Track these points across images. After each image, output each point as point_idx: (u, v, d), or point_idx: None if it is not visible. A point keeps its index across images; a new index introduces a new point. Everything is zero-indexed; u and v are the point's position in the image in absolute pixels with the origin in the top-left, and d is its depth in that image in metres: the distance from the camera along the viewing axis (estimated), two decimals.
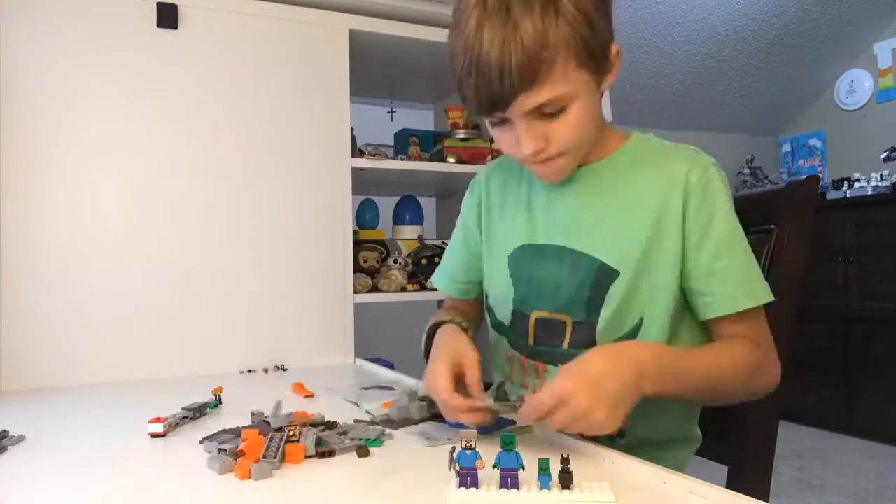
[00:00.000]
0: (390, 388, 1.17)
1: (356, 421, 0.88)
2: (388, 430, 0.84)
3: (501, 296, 0.94)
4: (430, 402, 0.88)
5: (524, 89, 0.73)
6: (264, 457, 0.67)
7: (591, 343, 0.86)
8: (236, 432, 0.81)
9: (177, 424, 0.90)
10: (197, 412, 0.97)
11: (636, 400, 0.71)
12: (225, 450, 0.72)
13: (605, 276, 0.85)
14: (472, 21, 0.74)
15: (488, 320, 0.99)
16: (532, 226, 0.92)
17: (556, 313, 0.88)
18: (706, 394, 0.84)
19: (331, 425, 0.85)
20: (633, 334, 0.86)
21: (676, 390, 0.78)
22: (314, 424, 0.84)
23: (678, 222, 0.83)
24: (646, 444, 0.87)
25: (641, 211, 0.85)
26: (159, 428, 0.85)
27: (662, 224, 0.84)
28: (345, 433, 0.82)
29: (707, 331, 0.88)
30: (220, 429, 0.84)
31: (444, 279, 1.08)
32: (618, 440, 0.86)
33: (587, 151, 0.87)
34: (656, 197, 0.85)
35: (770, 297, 0.84)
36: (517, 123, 0.78)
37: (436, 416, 0.87)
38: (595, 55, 0.76)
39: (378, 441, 0.79)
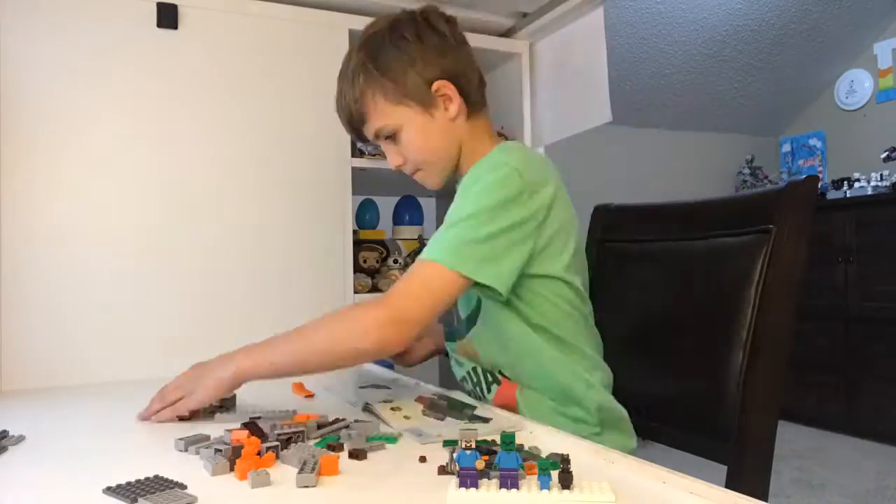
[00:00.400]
0: (387, 388, 1.17)
1: (356, 421, 0.88)
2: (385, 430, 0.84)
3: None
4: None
5: (360, 125, 1.05)
6: (300, 471, 0.65)
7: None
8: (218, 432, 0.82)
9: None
10: (226, 403, 1.00)
11: (221, 377, 0.91)
12: (220, 450, 0.72)
13: None
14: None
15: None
16: None
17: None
18: (296, 365, 0.93)
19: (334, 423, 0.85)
20: (476, 310, 1.04)
21: (263, 367, 0.92)
22: (320, 426, 0.83)
23: None
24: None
25: None
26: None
27: None
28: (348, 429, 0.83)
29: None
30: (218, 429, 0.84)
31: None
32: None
33: (452, 164, 1.07)
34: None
35: (448, 262, 0.88)
36: (381, 145, 1.08)
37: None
38: (408, 94, 1.00)
39: (394, 438, 0.81)
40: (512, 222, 0.91)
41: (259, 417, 0.89)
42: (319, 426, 0.83)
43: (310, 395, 1.14)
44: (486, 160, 0.97)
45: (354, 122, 1.05)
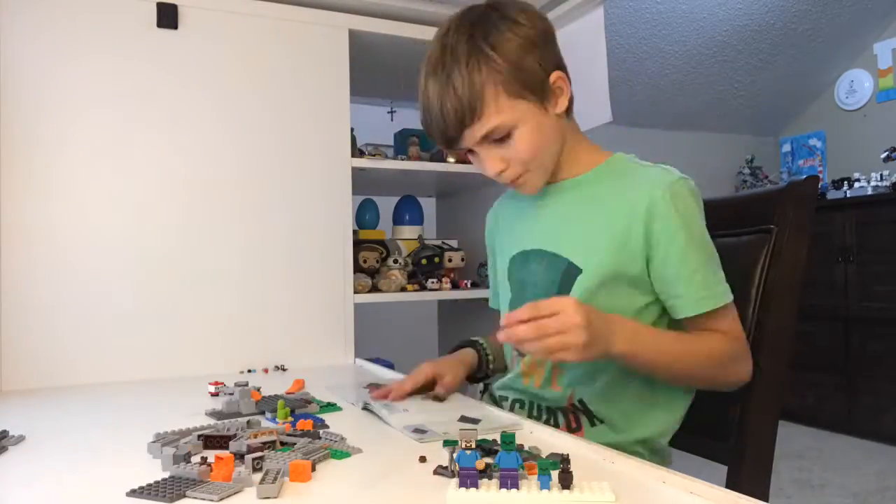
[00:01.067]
0: (381, 386, 1.17)
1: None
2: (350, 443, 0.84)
3: (504, 300, 1.07)
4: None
5: (466, 126, 0.88)
6: (262, 481, 0.64)
7: None
8: (186, 433, 0.81)
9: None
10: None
11: (606, 348, 0.81)
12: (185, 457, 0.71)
13: (571, 273, 0.94)
14: (422, 78, 0.91)
15: None
16: (523, 236, 1.04)
17: None
18: (677, 370, 0.89)
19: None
20: None
21: (646, 356, 0.86)
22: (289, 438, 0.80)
23: (641, 234, 0.90)
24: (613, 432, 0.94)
25: (608, 219, 0.93)
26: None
27: (628, 234, 0.91)
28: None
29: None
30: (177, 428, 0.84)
31: (492, 297, 1.20)
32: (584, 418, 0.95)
33: (556, 168, 0.97)
34: (624, 208, 0.92)
35: (730, 298, 0.90)
36: (478, 151, 0.93)
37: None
38: (528, 87, 0.89)
39: (346, 454, 0.75)
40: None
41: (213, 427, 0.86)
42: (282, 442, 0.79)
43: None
44: (685, 187, 0.92)
45: (464, 122, 0.88)
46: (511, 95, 0.88)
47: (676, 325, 0.93)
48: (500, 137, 0.90)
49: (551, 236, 0.99)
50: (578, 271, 0.93)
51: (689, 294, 0.88)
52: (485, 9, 0.91)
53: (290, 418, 0.90)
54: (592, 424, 0.94)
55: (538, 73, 0.89)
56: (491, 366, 1.12)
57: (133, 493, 0.62)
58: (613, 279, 0.91)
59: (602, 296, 0.91)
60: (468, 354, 1.11)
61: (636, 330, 0.86)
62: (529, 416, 0.98)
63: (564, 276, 0.94)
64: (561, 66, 0.94)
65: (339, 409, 1.00)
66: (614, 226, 0.92)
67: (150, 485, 0.64)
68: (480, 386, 1.15)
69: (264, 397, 1.02)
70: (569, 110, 0.97)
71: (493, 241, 1.15)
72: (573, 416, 0.96)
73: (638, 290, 0.92)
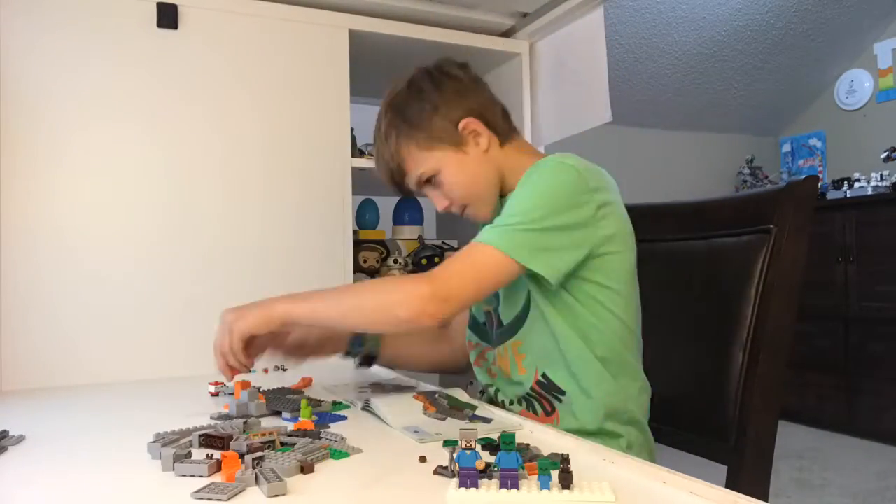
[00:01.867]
0: (382, 385, 1.17)
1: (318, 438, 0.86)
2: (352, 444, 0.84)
3: (477, 305, 1.14)
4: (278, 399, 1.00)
5: (401, 178, 1.09)
6: (268, 480, 0.64)
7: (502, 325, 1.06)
8: (186, 433, 0.82)
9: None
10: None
11: (267, 311, 0.95)
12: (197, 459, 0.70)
13: None
14: None
15: (468, 321, 1.18)
16: None
17: (489, 305, 1.10)
18: (335, 313, 0.97)
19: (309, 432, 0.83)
20: (525, 311, 1.01)
21: (304, 310, 0.96)
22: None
23: None
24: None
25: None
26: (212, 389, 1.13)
27: None
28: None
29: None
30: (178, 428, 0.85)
31: None
32: (554, 396, 1.00)
33: (496, 192, 1.08)
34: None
35: (507, 250, 0.90)
36: (425, 193, 1.10)
37: (277, 412, 0.96)
38: (438, 138, 1.05)
39: (345, 454, 0.76)
40: (572, 219, 0.93)
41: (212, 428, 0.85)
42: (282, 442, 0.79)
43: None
44: (547, 161, 0.98)
45: (396, 177, 1.09)
46: (424, 149, 1.05)
47: None
48: (431, 180, 1.07)
49: None
50: None
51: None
52: (402, 85, 1.09)
53: (314, 417, 0.91)
54: (559, 401, 0.99)
55: (446, 126, 1.05)
56: (369, 342, 1.19)
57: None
58: None
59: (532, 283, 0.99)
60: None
61: (296, 295, 0.98)
62: (508, 405, 1.05)
63: None
64: (476, 112, 1.06)
65: (349, 406, 1.01)
66: None
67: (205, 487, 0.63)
68: (479, 386, 1.16)
69: (268, 397, 1.01)
70: (504, 140, 1.08)
71: None
72: (545, 400, 1.01)
73: None
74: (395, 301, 0.91)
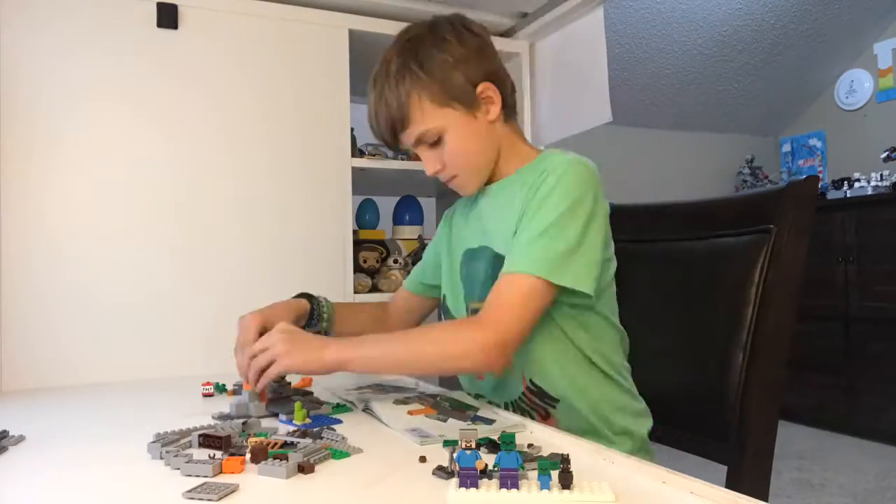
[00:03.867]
0: (383, 387, 1.17)
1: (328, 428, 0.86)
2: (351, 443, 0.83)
3: (456, 295, 1.10)
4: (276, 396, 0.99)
5: (398, 131, 1.00)
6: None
7: None
8: (186, 433, 0.82)
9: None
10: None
11: (318, 356, 0.89)
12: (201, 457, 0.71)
13: (497, 262, 0.98)
14: (369, 91, 1.02)
15: (443, 319, 1.16)
16: (469, 234, 1.11)
17: (480, 302, 1.00)
18: (393, 364, 0.92)
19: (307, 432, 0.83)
20: None
21: (359, 360, 0.91)
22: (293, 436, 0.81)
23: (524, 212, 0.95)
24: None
25: (513, 208, 0.97)
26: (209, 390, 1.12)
27: (519, 217, 0.96)
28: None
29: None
30: (177, 428, 0.84)
31: (412, 279, 1.27)
32: (546, 401, 0.98)
33: (490, 168, 1.04)
34: (523, 195, 0.97)
35: (550, 276, 0.87)
36: (418, 152, 1.03)
37: (274, 414, 0.95)
38: (454, 96, 0.97)
39: (346, 454, 0.76)
40: (596, 225, 0.91)
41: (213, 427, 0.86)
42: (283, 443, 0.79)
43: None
44: (558, 165, 0.94)
45: (396, 126, 0.99)
46: (437, 104, 0.97)
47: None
48: (433, 141, 0.99)
49: (484, 233, 1.05)
50: (501, 259, 0.98)
51: (511, 254, 0.91)
52: (422, 29, 1.01)
53: (308, 420, 0.90)
54: (553, 407, 0.98)
55: (464, 85, 0.98)
56: (324, 323, 1.16)
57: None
58: None
59: None
60: (299, 303, 1.14)
61: (349, 341, 0.93)
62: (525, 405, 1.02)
63: (494, 266, 0.99)
64: (493, 78, 1.00)
65: (350, 409, 1.00)
66: (516, 212, 0.96)
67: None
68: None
69: (271, 398, 1.01)
70: (507, 116, 1.03)
71: (449, 242, 1.17)
72: (539, 408, 0.99)
73: None
74: (458, 353, 0.88)
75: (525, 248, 0.90)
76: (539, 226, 0.90)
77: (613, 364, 1.00)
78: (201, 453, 0.73)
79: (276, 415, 0.95)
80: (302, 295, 1.17)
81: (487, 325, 0.87)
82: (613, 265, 1.01)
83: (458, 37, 0.99)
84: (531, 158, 1.04)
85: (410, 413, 0.93)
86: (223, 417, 0.94)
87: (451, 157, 1.00)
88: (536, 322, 0.90)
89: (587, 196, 0.91)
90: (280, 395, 1.00)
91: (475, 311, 1.03)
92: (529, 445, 0.75)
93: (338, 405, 1.01)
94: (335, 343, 0.91)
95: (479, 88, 0.99)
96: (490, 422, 0.89)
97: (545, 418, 0.99)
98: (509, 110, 1.03)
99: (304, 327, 1.12)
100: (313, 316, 1.15)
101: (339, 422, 0.92)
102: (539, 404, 0.99)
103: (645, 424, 1.02)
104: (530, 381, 0.98)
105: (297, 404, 0.92)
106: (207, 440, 0.77)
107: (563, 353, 0.96)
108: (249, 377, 0.92)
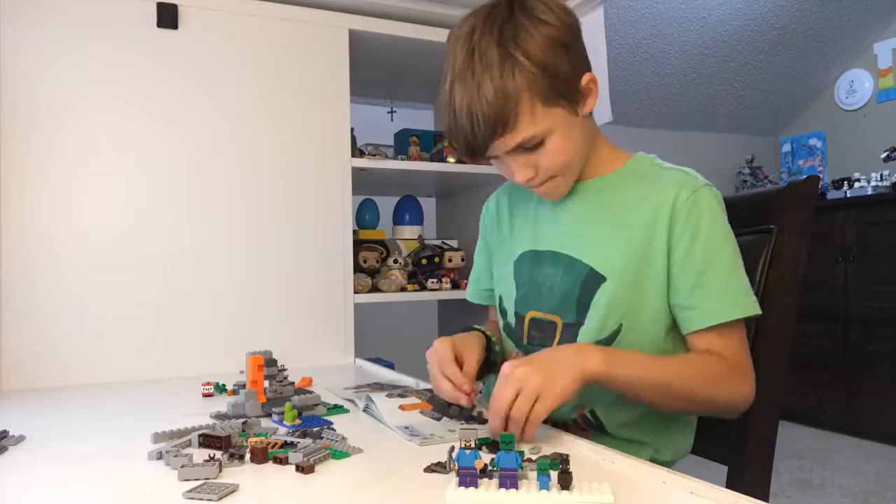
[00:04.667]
0: (382, 385, 1.17)
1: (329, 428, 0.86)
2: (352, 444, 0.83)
3: (508, 297, 1.00)
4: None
5: (495, 138, 0.82)
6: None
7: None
8: (185, 433, 0.82)
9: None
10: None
11: (578, 373, 0.75)
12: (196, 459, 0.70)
13: (593, 280, 0.90)
14: (447, 82, 0.84)
15: (500, 323, 1.04)
16: (535, 235, 0.99)
17: (550, 314, 0.94)
18: (660, 392, 0.82)
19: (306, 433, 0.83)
20: (611, 339, 0.88)
21: (625, 378, 0.79)
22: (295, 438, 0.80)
23: (664, 240, 0.87)
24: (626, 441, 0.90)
25: (632, 226, 0.89)
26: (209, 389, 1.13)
27: (651, 241, 0.88)
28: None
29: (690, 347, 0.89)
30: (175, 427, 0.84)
31: (472, 290, 1.15)
32: (596, 433, 0.91)
33: (581, 169, 0.93)
34: (647, 214, 0.88)
35: (755, 310, 0.86)
36: (504, 159, 0.87)
37: (269, 414, 0.93)
38: (562, 93, 0.83)
39: (346, 454, 0.76)
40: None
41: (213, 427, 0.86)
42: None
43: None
44: (701, 196, 0.87)
45: (496, 132, 0.81)
46: (547, 104, 0.82)
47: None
48: (532, 146, 0.85)
49: (569, 239, 0.94)
50: (602, 279, 0.89)
51: (704, 304, 0.84)
52: (508, 6, 0.83)
53: (298, 420, 0.90)
54: (595, 436, 0.90)
55: (570, 76, 0.83)
56: (496, 357, 1.01)
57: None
58: (636, 287, 0.88)
59: (629, 300, 0.88)
60: (478, 337, 0.97)
61: (611, 352, 0.80)
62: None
63: (586, 282, 0.90)
64: (589, 65, 0.88)
65: (346, 411, 0.99)
66: (637, 232, 0.88)
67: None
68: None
69: (270, 397, 1.01)
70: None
71: (492, 232, 1.08)
72: (583, 434, 0.89)
73: (662, 294, 0.88)
74: (739, 400, 0.85)
75: (721, 287, 0.85)
76: (721, 259, 0.85)
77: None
78: (201, 453, 0.74)
79: (269, 414, 0.95)
80: (467, 328, 1.00)
81: (748, 379, 0.85)
82: None
83: (554, 15, 0.82)
84: (622, 158, 0.96)
85: (402, 408, 0.92)
86: (220, 417, 0.94)
87: (549, 161, 0.86)
88: None
89: (725, 221, 0.89)
90: (279, 396, 1.00)
91: (535, 322, 0.95)
92: (531, 448, 0.75)
93: (335, 406, 1.01)
94: (596, 354, 0.77)
95: (584, 79, 0.85)
96: (484, 421, 0.88)
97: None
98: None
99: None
100: (489, 347, 0.99)
101: (330, 423, 0.90)
102: (584, 430, 0.92)
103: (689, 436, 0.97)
104: (590, 411, 0.91)
105: (287, 405, 0.91)
106: (208, 440, 0.77)
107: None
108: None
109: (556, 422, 0.91)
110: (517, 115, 0.81)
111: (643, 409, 0.88)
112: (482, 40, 0.80)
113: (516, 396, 0.73)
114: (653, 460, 0.86)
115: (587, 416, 0.92)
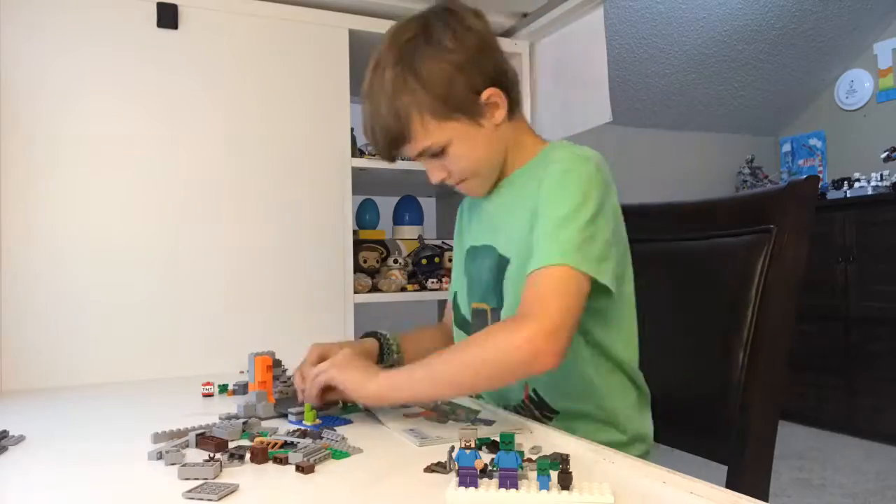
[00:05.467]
0: None
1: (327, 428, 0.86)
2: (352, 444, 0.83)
3: (461, 292, 1.08)
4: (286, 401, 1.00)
5: (398, 147, 0.94)
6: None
7: None
8: (185, 433, 0.82)
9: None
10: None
11: (359, 394, 0.87)
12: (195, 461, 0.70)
13: (502, 265, 0.96)
14: (361, 92, 0.96)
15: (454, 318, 1.10)
16: (474, 230, 1.08)
17: (481, 303, 1.01)
18: (449, 388, 0.87)
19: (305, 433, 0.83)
20: None
21: (404, 399, 0.90)
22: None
23: (536, 208, 0.90)
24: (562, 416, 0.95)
25: (528, 208, 0.93)
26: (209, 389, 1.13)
27: (532, 214, 0.91)
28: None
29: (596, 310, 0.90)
30: (175, 428, 0.84)
31: (451, 291, 1.16)
32: (544, 413, 0.96)
33: (501, 168, 1.00)
34: (532, 191, 0.93)
35: (568, 261, 0.82)
36: (420, 162, 0.98)
37: (283, 414, 0.94)
38: (458, 108, 0.91)
39: (346, 454, 0.76)
40: (608, 218, 0.87)
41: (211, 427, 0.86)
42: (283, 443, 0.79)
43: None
44: (567, 155, 0.91)
45: (395, 144, 0.93)
46: (439, 119, 0.90)
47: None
48: (436, 153, 0.93)
49: (491, 231, 1.02)
50: (507, 262, 0.95)
51: (538, 250, 0.84)
52: (415, 31, 0.91)
53: (318, 420, 0.90)
54: (549, 418, 0.96)
55: (467, 95, 0.91)
56: (395, 355, 1.09)
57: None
58: (529, 262, 0.88)
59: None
60: (367, 342, 1.08)
61: (388, 378, 0.86)
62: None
63: (498, 268, 0.97)
64: (497, 80, 0.93)
65: (361, 410, 0.97)
66: (529, 211, 0.91)
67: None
68: None
69: (279, 398, 1.00)
70: (512, 113, 0.97)
71: (460, 234, 1.16)
72: (536, 418, 0.96)
73: None
74: (505, 353, 0.80)
75: (549, 238, 0.84)
76: (558, 214, 0.85)
77: (627, 361, 0.97)
78: (200, 454, 0.74)
79: (284, 415, 0.94)
80: (368, 334, 1.11)
81: (528, 317, 0.80)
82: (629, 259, 0.97)
83: (455, 38, 0.90)
84: (537, 151, 1.00)
85: (406, 416, 0.92)
86: (231, 418, 0.93)
87: (456, 166, 0.95)
88: (580, 311, 0.82)
89: (600, 191, 0.87)
90: (287, 396, 1.00)
91: (478, 312, 1.02)
92: (532, 448, 0.75)
93: (347, 405, 0.99)
94: (383, 376, 0.86)
95: (484, 96, 0.92)
96: (490, 423, 0.89)
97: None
98: (514, 106, 0.97)
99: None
100: (383, 352, 1.09)
101: (350, 422, 0.91)
102: (537, 415, 0.97)
103: (648, 420, 1.00)
104: (533, 390, 0.96)
105: (307, 405, 0.91)
106: (204, 441, 0.77)
107: (574, 357, 0.90)
108: (305, 395, 0.92)
109: (507, 405, 1.00)
110: (410, 130, 0.91)
111: (566, 374, 0.89)
112: (385, 65, 0.91)
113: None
114: (619, 443, 0.91)
115: (532, 395, 0.97)
